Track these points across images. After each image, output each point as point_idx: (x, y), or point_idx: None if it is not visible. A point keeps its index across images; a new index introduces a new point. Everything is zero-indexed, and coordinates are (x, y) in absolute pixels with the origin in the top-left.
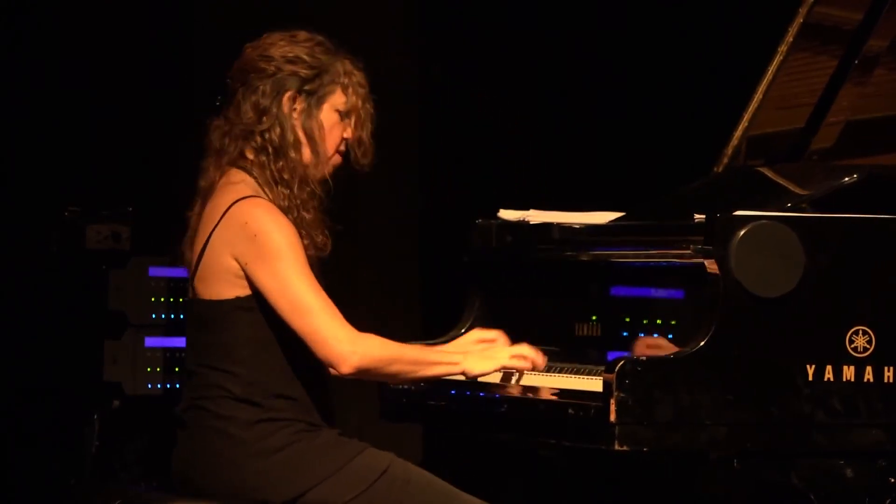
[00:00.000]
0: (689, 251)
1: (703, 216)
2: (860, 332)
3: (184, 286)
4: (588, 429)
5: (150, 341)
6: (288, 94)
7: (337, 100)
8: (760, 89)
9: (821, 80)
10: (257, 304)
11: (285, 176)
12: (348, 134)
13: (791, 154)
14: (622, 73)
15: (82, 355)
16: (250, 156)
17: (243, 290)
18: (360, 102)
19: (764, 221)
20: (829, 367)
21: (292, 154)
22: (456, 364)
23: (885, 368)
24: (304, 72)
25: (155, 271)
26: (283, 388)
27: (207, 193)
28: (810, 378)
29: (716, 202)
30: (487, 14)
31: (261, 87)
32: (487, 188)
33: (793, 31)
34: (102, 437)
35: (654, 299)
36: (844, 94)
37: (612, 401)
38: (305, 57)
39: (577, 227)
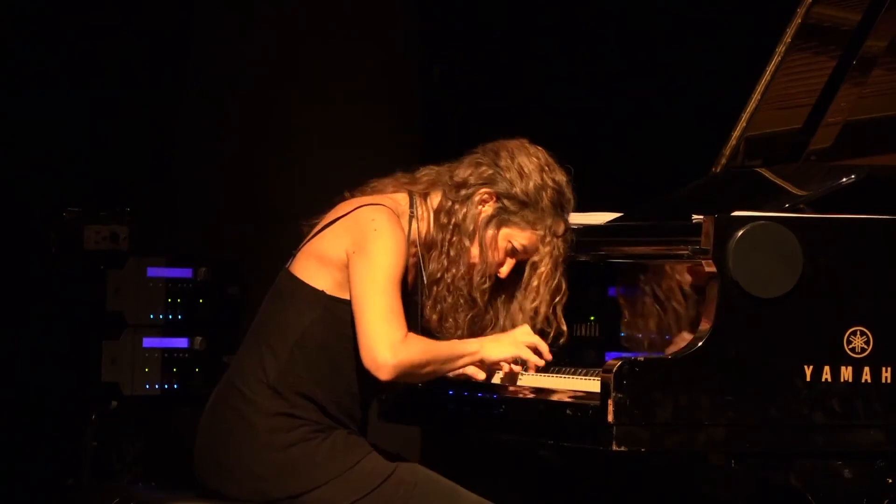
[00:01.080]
0: (687, 252)
1: (702, 217)
2: (858, 332)
3: (182, 287)
4: (586, 429)
5: (149, 342)
6: (487, 190)
7: (518, 236)
8: (759, 90)
9: (819, 80)
10: (335, 306)
11: (451, 251)
12: (503, 272)
13: (789, 155)
14: (621, 73)
15: (80, 355)
16: (433, 201)
17: (333, 288)
18: (550, 266)
19: (762, 222)
20: (826, 368)
21: (466, 241)
22: (475, 353)
23: (883, 369)
24: (518, 190)
25: (153, 272)
26: (312, 391)
27: (367, 191)
28: (808, 379)
29: (714, 203)
30: (487, 14)
31: (482, 168)
32: None
33: (791, 31)
34: (100, 437)
35: (652, 300)
36: (843, 95)
37: (610, 401)
38: (532, 184)
39: (575, 227)
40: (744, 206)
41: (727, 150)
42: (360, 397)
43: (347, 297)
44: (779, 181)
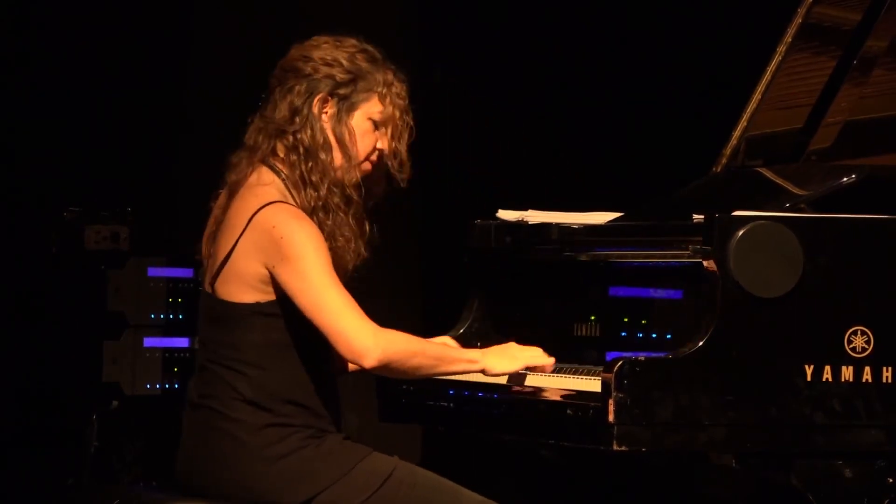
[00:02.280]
0: (687, 251)
1: (702, 216)
2: (859, 332)
3: (182, 286)
4: (587, 429)
5: (149, 341)
6: (319, 97)
7: (371, 108)
8: (759, 90)
9: (819, 80)
10: (275, 309)
11: (314, 178)
12: (383, 144)
13: (790, 154)
14: (621, 73)
15: (81, 356)
16: (281, 153)
17: (264, 296)
18: (397, 113)
19: (763, 222)
20: (827, 368)
21: (322, 156)
22: (475, 362)
23: (884, 369)
24: (339, 76)
25: (154, 272)
26: (292, 394)
27: (235, 188)
28: (809, 378)
29: (714, 202)
30: (488, 15)
31: (296, 87)
32: (486, 188)
33: (791, 31)
34: (101, 437)
35: (652, 300)
36: (843, 95)
37: (611, 401)
38: (344, 61)
39: (576, 227)
40: (744, 205)
41: (728, 150)
42: (331, 389)
43: (276, 297)
44: (779, 181)
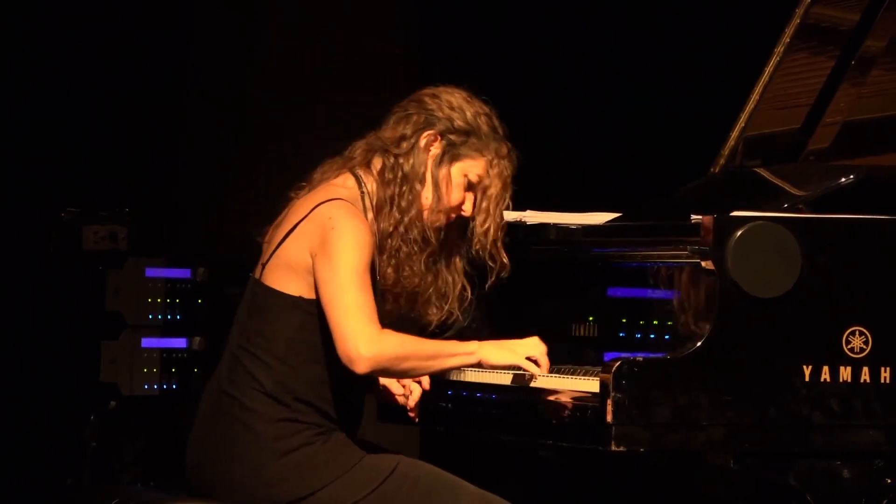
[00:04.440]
0: (685, 252)
1: (700, 217)
2: (857, 332)
3: (181, 287)
4: (585, 429)
5: (147, 342)
6: (431, 132)
7: (473, 167)
8: (757, 90)
9: (818, 80)
10: (314, 308)
11: (402, 203)
12: (467, 208)
13: (788, 155)
14: (619, 74)
15: (79, 356)
16: (376, 168)
17: (308, 292)
18: (499, 185)
19: (761, 222)
20: (825, 368)
21: (417, 187)
22: (471, 354)
23: (882, 369)
24: (457, 123)
25: (152, 272)
26: (312, 395)
27: (315, 185)
28: (807, 379)
29: (713, 203)
30: (486, 16)
31: (414, 117)
32: None
33: (790, 31)
34: (99, 437)
35: (651, 300)
36: (841, 95)
37: (609, 401)
38: (467, 113)
39: (574, 227)
40: (742, 206)
41: (726, 150)
42: (356, 391)
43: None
44: (777, 181)
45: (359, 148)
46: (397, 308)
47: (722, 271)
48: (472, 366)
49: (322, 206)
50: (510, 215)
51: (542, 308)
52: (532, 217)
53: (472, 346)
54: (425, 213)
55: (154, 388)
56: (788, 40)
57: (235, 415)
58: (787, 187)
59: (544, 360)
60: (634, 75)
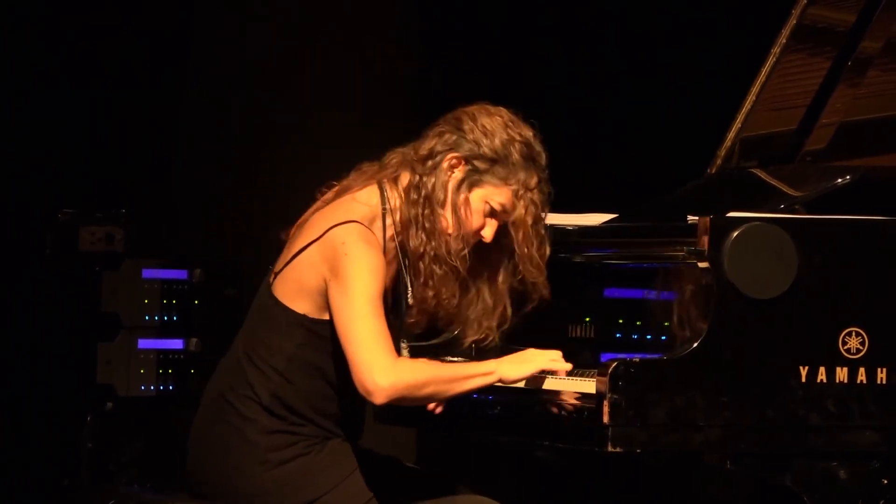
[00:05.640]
0: (682, 252)
1: (697, 218)
2: (853, 333)
3: (177, 288)
4: (582, 430)
5: (144, 343)
6: (456, 155)
7: (495, 195)
8: (754, 91)
9: (814, 81)
10: (319, 328)
11: (427, 225)
12: (487, 235)
13: (784, 155)
14: (616, 74)
15: (76, 357)
16: (402, 184)
17: (315, 311)
18: (529, 219)
19: (757, 223)
20: (822, 369)
21: (438, 210)
22: (491, 373)
23: (878, 370)
24: (485, 149)
25: (148, 273)
26: (308, 409)
27: (343, 191)
28: (804, 380)
29: (709, 203)
30: (485, 17)
31: (446, 135)
32: None
33: (786, 32)
34: (96, 438)
35: (647, 301)
36: (838, 96)
37: (606, 402)
38: (498, 140)
39: (571, 228)
40: (739, 206)
41: (722, 151)
42: (356, 404)
43: (328, 317)
44: (774, 182)
45: (395, 158)
46: (418, 324)
47: (718, 272)
48: (493, 384)
49: (337, 228)
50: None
51: (538, 309)
52: None
53: (491, 365)
54: (450, 240)
55: (150, 389)
56: (785, 41)
57: (232, 422)
58: (784, 188)
59: (561, 364)
60: (631, 76)
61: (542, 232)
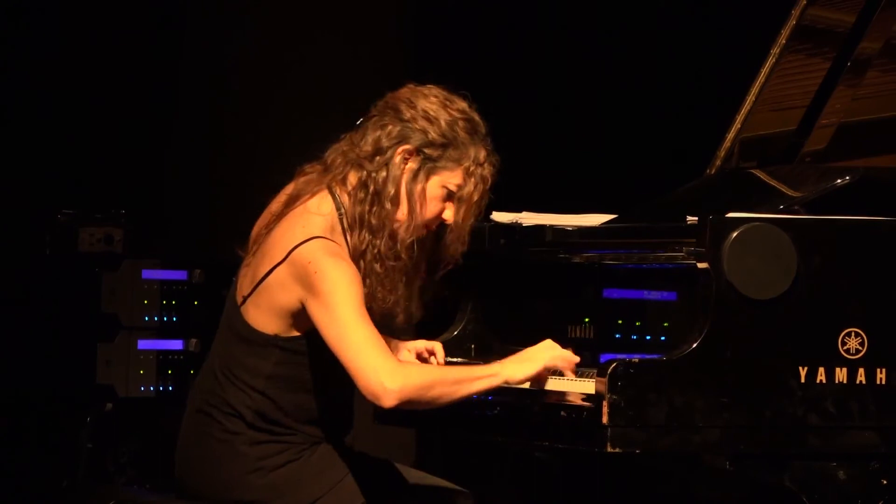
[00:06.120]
0: (681, 253)
1: (696, 218)
2: (852, 333)
3: (176, 289)
4: (581, 431)
5: (143, 344)
6: (406, 147)
7: (451, 178)
8: (753, 91)
9: (813, 82)
10: (292, 345)
11: (373, 221)
12: (449, 217)
13: (784, 156)
14: (615, 75)
15: (75, 358)
16: (350, 185)
17: (286, 330)
18: (476, 195)
19: (756, 223)
20: (821, 369)
21: (387, 205)
22: (496, 375)
23: (878, 370)
24: (433, 135)
25: (148, 274)
26: (292, 421)
27: (294, 201)
28: (803, 380)
29: (708, 204)
30: (482, 18)
31: (389, 127)
32: None
33: (786, 33)
34: (95, 439)
35: (646, 301)
36: (837, 96)
37: (605, 403)
38: (443, 123)
39: (570, 229)
40: (738, 207)
41: (722, 152)
42: (342, 405)
43: (299, 333)
44: (773, 182)
45: (337, 157)
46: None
47: (718, 273)
48: (498, 385)
49: (300, 248)
50: (506, 217)
51: (538, 309)
52: (528, 219)
53: (495, 367)
54: (400, 230)
55: (150, 389)
56: (784, 42)
57: (217, 437)
58: (783, 188)
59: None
60: (630, 76)
61: (482, 206)
